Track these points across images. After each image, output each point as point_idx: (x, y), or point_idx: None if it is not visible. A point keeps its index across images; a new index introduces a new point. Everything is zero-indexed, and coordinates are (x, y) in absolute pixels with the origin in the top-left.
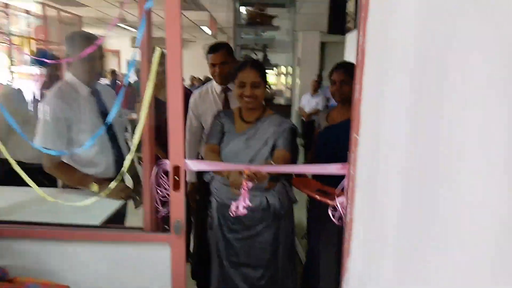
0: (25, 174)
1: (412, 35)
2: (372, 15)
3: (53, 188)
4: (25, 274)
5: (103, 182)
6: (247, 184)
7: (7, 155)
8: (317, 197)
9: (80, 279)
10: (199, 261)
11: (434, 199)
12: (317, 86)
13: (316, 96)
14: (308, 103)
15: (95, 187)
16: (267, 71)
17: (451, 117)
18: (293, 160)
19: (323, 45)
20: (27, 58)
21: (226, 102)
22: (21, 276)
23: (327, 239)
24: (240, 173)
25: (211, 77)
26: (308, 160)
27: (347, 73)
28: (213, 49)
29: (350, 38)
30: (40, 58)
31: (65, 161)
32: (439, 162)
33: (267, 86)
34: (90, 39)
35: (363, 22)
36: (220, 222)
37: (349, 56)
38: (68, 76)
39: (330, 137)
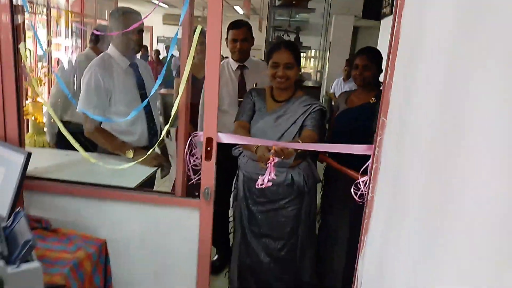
0: (71, 137)
1: (446, 24)
2: (409, 2)
3: (93, 153)
4: (65, 227)
5: (138, 149)
6: (273, 159)
7: (56, 119)
8: (346, 169)
9: (115, 235)
10: (218, 228)
11: (455, 185)
12: (350, 72)
13: (349, 82)
14: (340, 88)
15: (130, 153)
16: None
17: (479, 107)
18: (320, 141)
19: (355, 30)
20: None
21: (241, 80)
22: (62, 228)
23: (340, 215)
24: (268, 148)
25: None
26: (325, 141)
27: (369, 58)
28: (236, 25)
29: (385, 24)
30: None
31: (103, 127)
32: (462, 150)
33: (299, 67)
34: (132, 14)
35: (400, 8)
36: (246, 194)
37: (383, 42)
38: (110, 49)
39: (348, 119)
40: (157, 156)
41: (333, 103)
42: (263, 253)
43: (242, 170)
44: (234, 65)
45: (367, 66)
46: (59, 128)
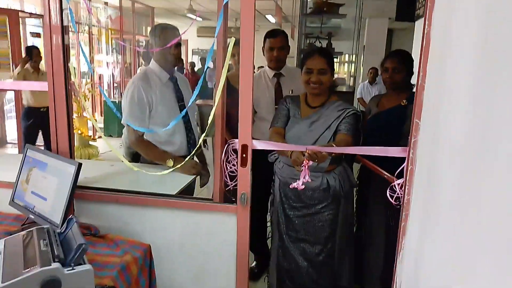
0: (114, 147)
1: (474, 27)
2: (439, 4)
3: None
4: (112, 233)
5: (178, 158)
6: (307, 162)
7: (100, 133)
8: (383, 172)
9: (158, 240)
10: (256, 234)
11: (486, 185)
12: (375, 75)
13: (376, 85)
14: (368, 92)
15: (171, 162)
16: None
17: (508, 109)
18: (355, 144)
19: (390, 32)
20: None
21: (278, 87)
22: (110, 234)
23: (376, 219)
24: (302, 153)
25: (262, 66)
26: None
27: (400, 61)
28: (272, 34)
29: (420, 25)
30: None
31: (145, 138)
32: (495, 152)
33: (333, 73)
34: (171, 30)
35: (430, 10)
36: (282, 199)
37: (418, 43)
38: (152, 63)
39: (379, 123)
40: (196, 164)
41: (362, 107)
42: (300, 257)
43: (278, 175)
44: (271, 73)
45: (397, 69)
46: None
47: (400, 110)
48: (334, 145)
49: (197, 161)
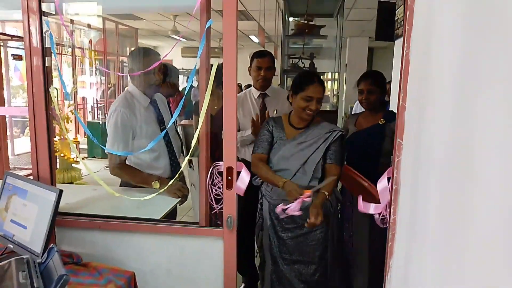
0: (96, 175)
1: (452, 47)
2: (417, 26)
3: (118, 187)
4: (95, 260)
5: (163, 179)
6: (304, 198)
7: (80, 160)
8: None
9: (143, 266)
10: (243, 256)
11: (469, 201)
12: None
13: None
14: (360, 110)
15: (157, 184)
16: None
17: (487, 126)
18: (342, 162)
19: (371, 50)
20: (87, 68)
21: (263, 107)
22: (93, 262)
23: (360, 233)
24: (297, 190)
25: (250, 84)
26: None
27: (373, 83)
28: (260, 54)
29: (399, 44)
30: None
31: (128, 163)
32: (478, 170)
33: None
34: (151, 54)
35: (408, 33)
36: (273, 222)
37: (398, 62)
38: (131, 87)
39: (357, 142)
40: (181, 187)
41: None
42: (296, 280)
43: (266, 198)
44: (256, 93)
45: (370, 90)
46: None
47: (379, 128)
48: (329, 177)
49: (183, 184)
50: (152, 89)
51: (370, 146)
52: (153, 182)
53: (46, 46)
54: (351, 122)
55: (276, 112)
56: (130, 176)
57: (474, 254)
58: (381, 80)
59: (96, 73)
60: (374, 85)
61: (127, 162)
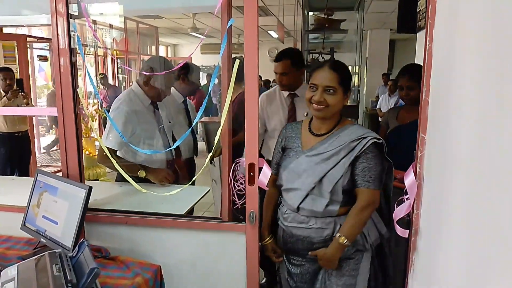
0: (123, 171)
1: (478, 38)
2: (440, 18)
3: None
4: (122, 254)
5: (149, 169)
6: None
7: (109, 155)
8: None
9: (169, 260)
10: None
11: (497, 197)
12: (394, 87)
13: (394, 96)
14: (386, 103)
15: (143, 173)
16: None
17: None
18: (379, 183)
19: (392, 43)
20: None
21: (292, 108)
22: (120, 256)
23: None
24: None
25: (269, 80)
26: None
27: (412, 78)
28: (277, 58)
29: (421, 36)
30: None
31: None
32: (503, 164)
33: (346, 95)
34: (167, 66)
35: (430, 27)
36: (286, 254)
37: (420, 54)
38: (135, 86)
39: (401, 136)
40: (167, 174)
41: (379, 118)
42: None
43: (281, 221)
44: (285, 92)
45: (410, 87)
46: None
47: None
48: (355, 210)
49: (169, 171)
50: (156, 95)
51: (414, 140)
52: (139, 171)
53: (73, 46)
54: (391, 116)
55: (307, 115)
56: (115, 165)
57: (501, 257)
58: (420, 74)
59: (118, 72)
60: (413, 81)
61: (118, 154)
